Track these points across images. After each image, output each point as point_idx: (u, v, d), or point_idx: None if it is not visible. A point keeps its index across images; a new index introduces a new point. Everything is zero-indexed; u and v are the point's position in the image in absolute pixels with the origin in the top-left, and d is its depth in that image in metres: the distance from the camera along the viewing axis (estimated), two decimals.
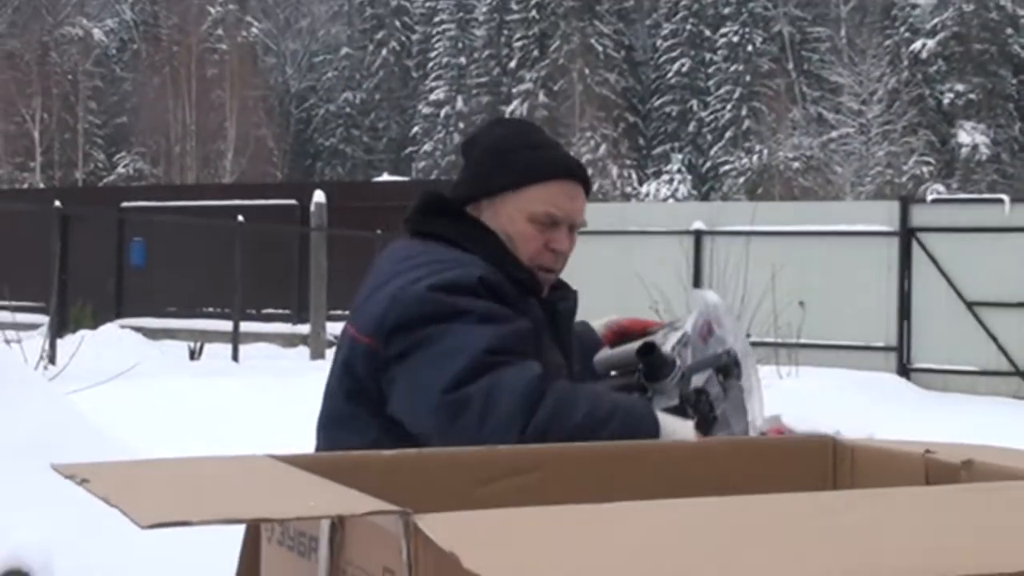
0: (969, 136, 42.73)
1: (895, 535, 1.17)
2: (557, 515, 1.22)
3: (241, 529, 1.62)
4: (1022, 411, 13.64)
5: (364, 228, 19.46)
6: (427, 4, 60.83)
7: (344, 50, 60.43)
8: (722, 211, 18.37)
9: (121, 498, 1.26)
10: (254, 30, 59.68)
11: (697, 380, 2.41)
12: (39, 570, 4.48)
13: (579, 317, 2.59)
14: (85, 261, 20.56)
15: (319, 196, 17.15)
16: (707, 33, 53.03)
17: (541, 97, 52.02)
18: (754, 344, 12.79)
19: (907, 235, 16.27)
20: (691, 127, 52.39)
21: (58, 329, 14.99)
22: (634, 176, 49.26)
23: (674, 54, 53.87)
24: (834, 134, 42.91)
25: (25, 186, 47.33)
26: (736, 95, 50.39)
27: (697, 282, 16.64)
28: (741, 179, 46.75)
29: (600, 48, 52.11)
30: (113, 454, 5.47)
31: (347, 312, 2.44)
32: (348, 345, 2.31)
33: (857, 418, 8.93)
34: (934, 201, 17.20)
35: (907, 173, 40.99)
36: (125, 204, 24.60)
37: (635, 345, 2.51)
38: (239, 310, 17.51)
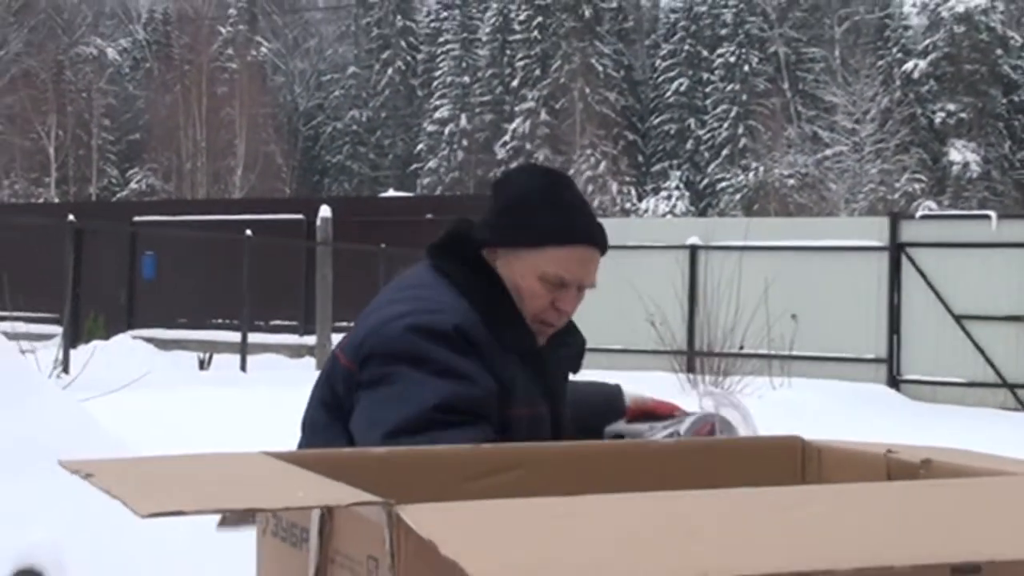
0: (960, 154, 42.79)
1: (853, 526, 1.21)
2: (533, 507, 1.23)
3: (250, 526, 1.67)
4: (1009, 422, 13.65)
5: (369, 242, 19.51)
6: (432, 25, 60.94)
7: (351, 69, 60.50)
8: (717, 227, 18.41)
9: (122, 490, 1.30)
10: (263, 50, 59.81)
11: None
12: (51, 569, 4.52)
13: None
14: (98, 273, 20.64)
15: (325, 211, 17.19)
16: (704, 53, 53.10)
17: (543, 115, 52.06)
18: (747, 356, 12.80)
19: (897, 250, 16.30)
20: (689, 145, 52.43)
21: (72, 339, 15.01)
22: (633, 192, 49.29)
23: (672, 74, 53.95)
24: (828, 152, 42.96)
25: (40, 201, 47.37)
26: (733, 114, 50.45)
27: (692, 295, 16.67)
28: (737, 196, 46.79)
29: (600, 68, 52.17)
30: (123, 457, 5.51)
31: (352, 324, 2.48)
32: (332, 362, 2.37)
33: (848, 428, 8.95)
34: (923, 217, 17.25)
35: (900, 190, 41.04)
36: (137, 218, 24.67)
37: (629, 428, 2.51)
38: (247, 321, 17.54)
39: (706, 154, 51.38)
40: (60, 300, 15.88)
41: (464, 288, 2.38)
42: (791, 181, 43.36)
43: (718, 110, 51.34)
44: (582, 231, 2.41)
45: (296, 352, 20.47)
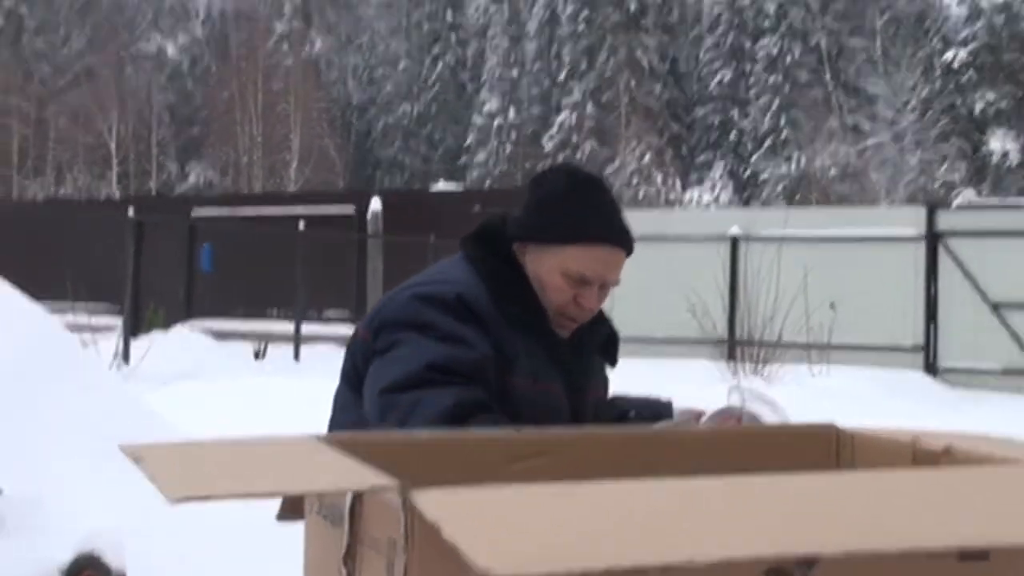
0: (1000, 143, 42.42)
1: (865, 511, 1.22)
2: (543, 492, 1.23)
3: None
4: None
5: (418, 234, 19.58)
6: (480, 20, 60.97)
7: (402, 64, 60.61)
8: (757, 217, 18.39)
9: (160, 475, 1.35)
10: (317, 46, 60.05)
11: None
12: (110, 555, 4.62)
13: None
14: (157, 266, 20.80)
15: (375, 204, 17.32)
16: (747, 45, 52.82)
17: (589, 108, 51.98)
18: (786, 345, 12.77)
19: (933, 239, 16.24)
20: (732, 136, 52.21)
21: (132, 330, 15.20)
22: (678, 183, 49.14)
23: (716, 66, 53.70)
24: (869, 142, 42.71)
25: (102, 195, 47.82)
26: (775, 105, 50.16)
27: (734, 285, 16.66)
28: (780, 186, 46.55)
29: (645, 61, 52.02)
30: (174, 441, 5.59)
31: None
32: (353, 336, 2.48)
33: (885, 415, 8.96)
34: (959, 207, 17.17)
35: (939, 179, 40.74)
36: (195, 212, 24.87)
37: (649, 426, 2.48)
38: (300, 312, 17.69)
39: (749, 145, 51.14)
40: (121, 292, 16.06)
41: (481, 268, 2.46)
42: (833, 171, 43.11)
43: (761, 101, 51.06)
44: (606, 231, 2.46)
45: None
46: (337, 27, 64.41)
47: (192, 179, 54.92)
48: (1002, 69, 43.42)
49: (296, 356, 17.23)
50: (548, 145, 51.26)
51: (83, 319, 12.82)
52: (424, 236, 19.29)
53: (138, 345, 14.28)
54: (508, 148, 54.19)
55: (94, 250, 21.06)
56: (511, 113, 54.89)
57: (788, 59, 50.57)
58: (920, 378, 15.55)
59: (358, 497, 1.47)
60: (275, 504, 1.80)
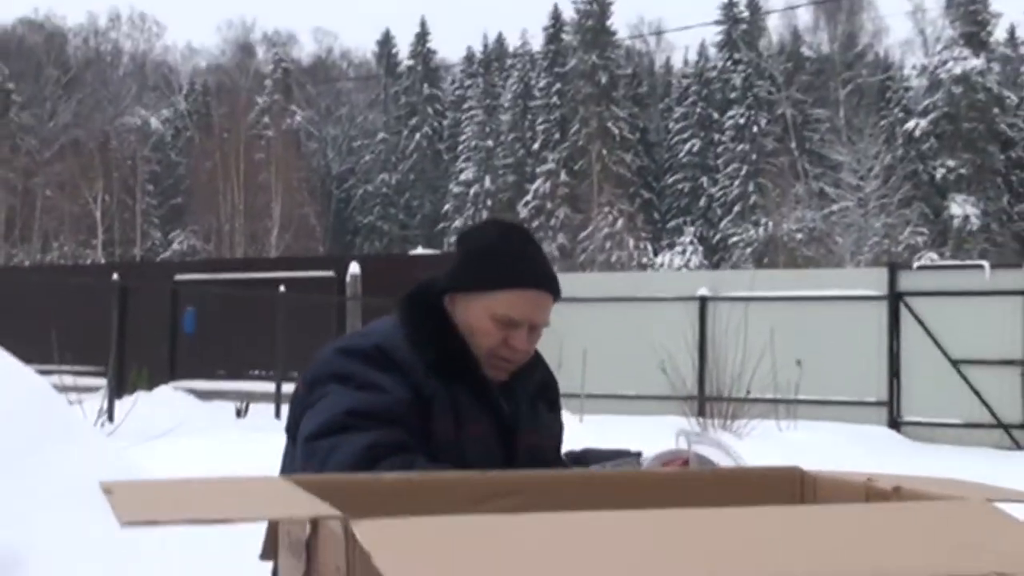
0: (960, 208, 42.85)
1: (824, 540, 1.28)
2: (478, 523, 1.24)
3: None
4: (1005, 460, 13.64)
5: (396, 296, 19.58)
6: (457, 92, 61.42)
7: (381, 135, 60.95)
8: (725, 279, 18.55)
9: (122, 504, 1.37)
10: (298, 118, 60.36)
11: None
12: None
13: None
14: (141, 329, 20.79)
15: (354, 268, 17.35)
16: (715, 116, 53.37)
17: (563, 176, 52.30)
18: (754, 400, 12.78)
19: (895, 299, 16.36)
20: (702, 202, 52.61)
21: (116, 390, 15.17)
22: (649, 248, 49.38)
23: (685, 135, 54.24)
24: (834, 207, 43.06)
25: (88, 262, 47.74)
26: (743, 172, 50.61)
27: (703, 343, 16.73)
28: (748, 250, 46.84)
29: (616, 131, 52.45)
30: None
31: None
32: (295, 393, 2.54)
33: (851, 467, 9.00)
34: (920, 267, 17.32)
35: (903, 243, 41.05)
36: (178, 277, 24.86)
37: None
38: (281, 372, 17.68)
39: (718, 211, 51.53)
40: (106, 354, 16.03)
41: (404, 319, 2.54)
42: (799, 235, 43.43)
43: (729, 169, 51.52)
44: (530, 276, 2.51)
45: None
46: (317, 100, 64.78)
47: (176, 246, 54.93)
48: (961, 137, 43.94)
49: (277, 414, 17.17)
50: (523, 212, 51.49)
51: (69, 380, 12.78)
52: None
53: (123, 404, 14.22)
54: (484, 215, 54.39)
55: (80, 315, 20.99)
56: (487, 181, 55.17)
57: (755, 128, 51.10)
58: (884, 432, 15.60)
59: (314, 529, 1.47)
60: (259, 550, 1.83)
